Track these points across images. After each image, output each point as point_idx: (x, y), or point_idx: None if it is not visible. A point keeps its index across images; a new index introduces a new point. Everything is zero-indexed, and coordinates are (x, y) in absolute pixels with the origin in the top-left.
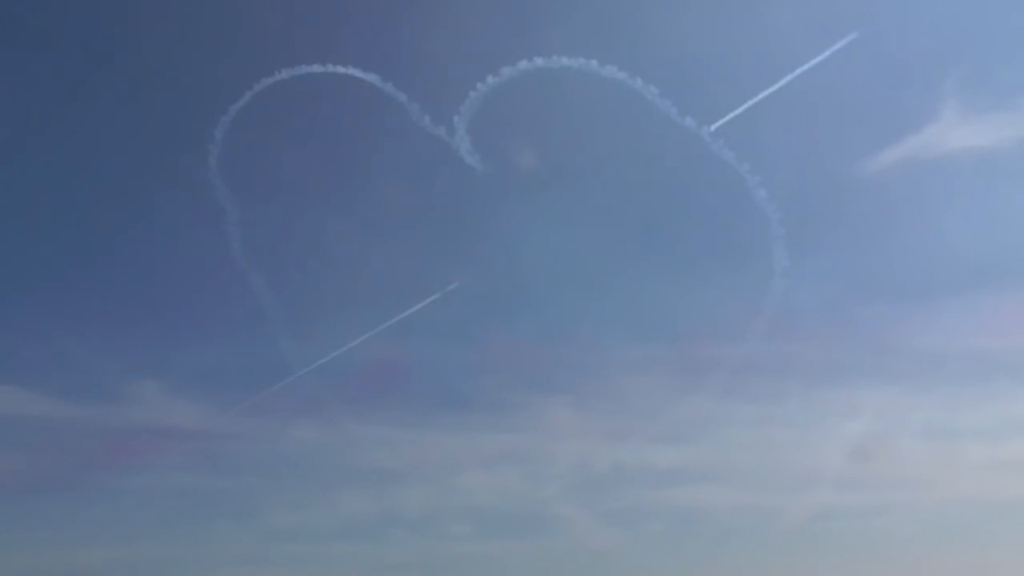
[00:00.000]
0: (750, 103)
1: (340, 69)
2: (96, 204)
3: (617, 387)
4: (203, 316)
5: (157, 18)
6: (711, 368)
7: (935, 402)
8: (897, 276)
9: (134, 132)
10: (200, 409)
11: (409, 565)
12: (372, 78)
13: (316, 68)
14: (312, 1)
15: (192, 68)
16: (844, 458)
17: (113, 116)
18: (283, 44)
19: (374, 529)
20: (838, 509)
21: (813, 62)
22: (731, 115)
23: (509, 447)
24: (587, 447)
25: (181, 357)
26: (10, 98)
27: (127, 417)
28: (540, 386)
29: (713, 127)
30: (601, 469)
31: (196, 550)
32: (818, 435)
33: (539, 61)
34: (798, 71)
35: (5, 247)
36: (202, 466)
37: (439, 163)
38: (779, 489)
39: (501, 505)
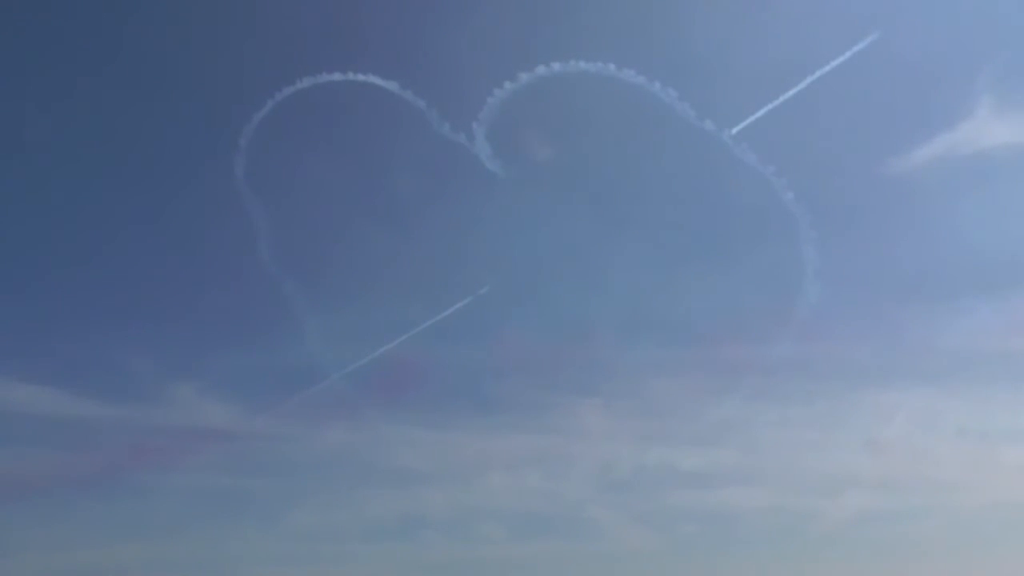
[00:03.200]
0: (771, 106)
1: (360, 77)
2: (131, 210)
3: (647, 389)
4: (236, 321)
5: (182, 30)
6: (741, 370)
7: (969, 404)
8: (930, 276)
9: (165, 141)
10: (232, 411)
11: (438, 566)
12: (392, 85)
13: (337, 76)
14: (331, 10)
15: (216, 78)
16: (876, 461)
17: (146, 126)
18: (303, 54)
19: (404, 530)
20: (871, 512)
21: (834, 63)
22: (753, 118)
23: (539, 449)
24: (616, 449)
25: (214, 360)
26: (41, 107)
27: (161, 418)
28: (570, 388)
29: (734, 130)
30: (631, 471)
31: (227, 549)
32: (850, 437)
33: (557, 66)
34: (818, 73)
35: (43, 252)
36: (234, 467)
37: (463, 169)
38: (809, 492)
39: (530, 507)
